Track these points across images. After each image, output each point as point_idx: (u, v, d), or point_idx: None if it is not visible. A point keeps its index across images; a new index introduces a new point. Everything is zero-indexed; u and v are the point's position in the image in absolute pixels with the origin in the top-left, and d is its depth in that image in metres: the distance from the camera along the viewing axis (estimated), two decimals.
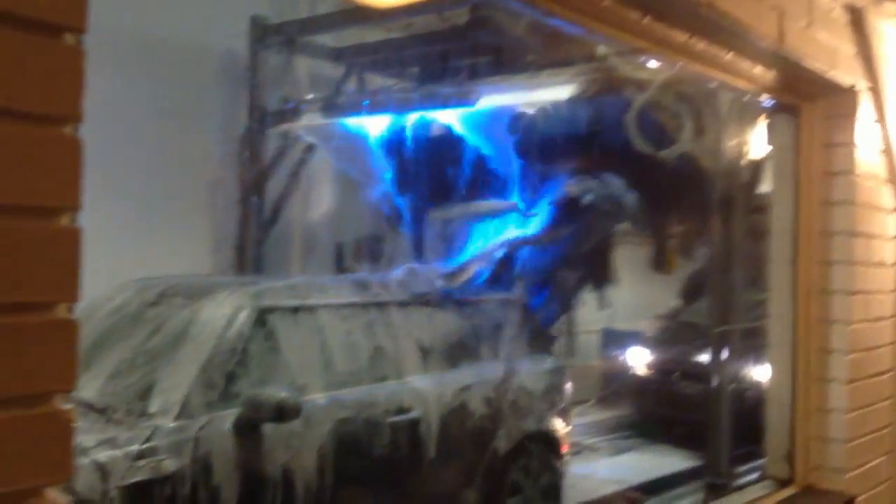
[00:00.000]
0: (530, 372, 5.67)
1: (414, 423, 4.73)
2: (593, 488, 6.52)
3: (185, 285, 4.63)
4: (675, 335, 8.55)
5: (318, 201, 8.78)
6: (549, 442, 5.66)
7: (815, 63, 3.30)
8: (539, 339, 6.08)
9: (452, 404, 4.98)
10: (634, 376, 8.60)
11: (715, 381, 6.17)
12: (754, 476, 4.37)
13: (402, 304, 5.14)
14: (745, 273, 6.20)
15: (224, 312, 4.20)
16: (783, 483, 3.64)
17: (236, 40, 8.01)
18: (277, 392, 3.96)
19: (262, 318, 4.28)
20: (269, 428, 4.01)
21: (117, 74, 6.69)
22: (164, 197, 7.52)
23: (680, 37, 2.89)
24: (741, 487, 4.16)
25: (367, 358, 4.73)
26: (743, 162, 6.01)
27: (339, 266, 8.58)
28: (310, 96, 8.06)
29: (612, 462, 7.56)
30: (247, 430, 3.94)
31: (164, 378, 3.92)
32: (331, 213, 8.86)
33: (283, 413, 3.92)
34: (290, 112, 7.91)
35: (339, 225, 8.77)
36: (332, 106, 7.62)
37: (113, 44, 6.60)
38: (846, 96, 3.64)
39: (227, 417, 3.90)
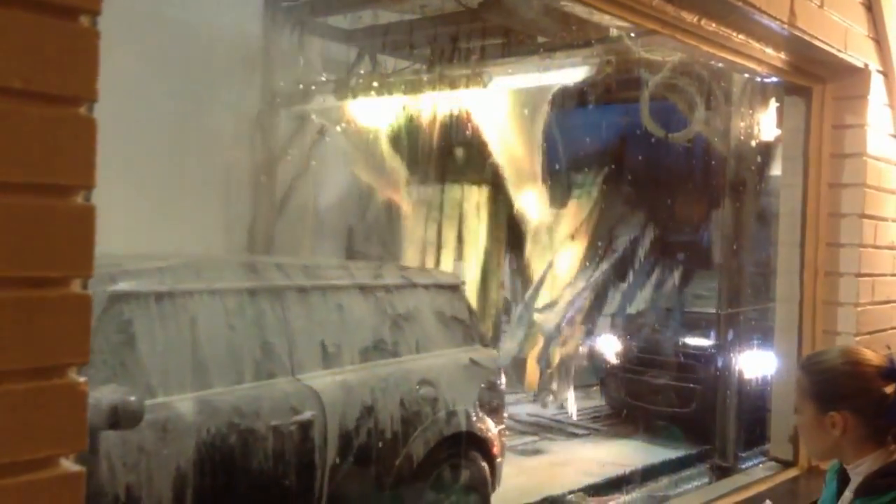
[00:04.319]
0: (458, 365, 5.03)
1: (305, 427, 4.06)
2: (597, 471, 6.56)
3: None
4: (655, 322, 8.30)
5: (329, 183, 8.81)
6: (477, 444, 5.00)
7: (828, 43, 3.30)
8: (475, 328, 5.43)
9: (357, 404, 4.33)
10: (606, 365, 8.25)
11: (720, 366, 6.17)
12: (760, 459, 4.39)
13: (303, 291, 4.42)
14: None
15: None
16: (787, 465, 3.67)
17: (250, 22, 8.03)
18: (112, 393, 3.23)
19: (114, 306, 3.59)
20: (110, 439, 3.32)
21: (131, 55, 6.71)
22: (178, 177, 7.55)
23: (690, 18, 2.89)
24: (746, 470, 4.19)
25: (252, 353, 4.06)
26: (753, 144, 6.00)
27: (350, 249, 8.62)
28: (322, 78, 8.08)
29: (615, 445, 7.58)
30: None
31: None
32: (342, 195, 8.90)
33: (119, 419, 3.22)
34: (303, 94, 7.93)
35: (350, 207, 8.81)
36: (345, 88, 7.64)
37: (127, 25, 6.63)
38: (858, 77, 3.64)
39: None
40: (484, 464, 5.03)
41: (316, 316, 4.40)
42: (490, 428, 5.08)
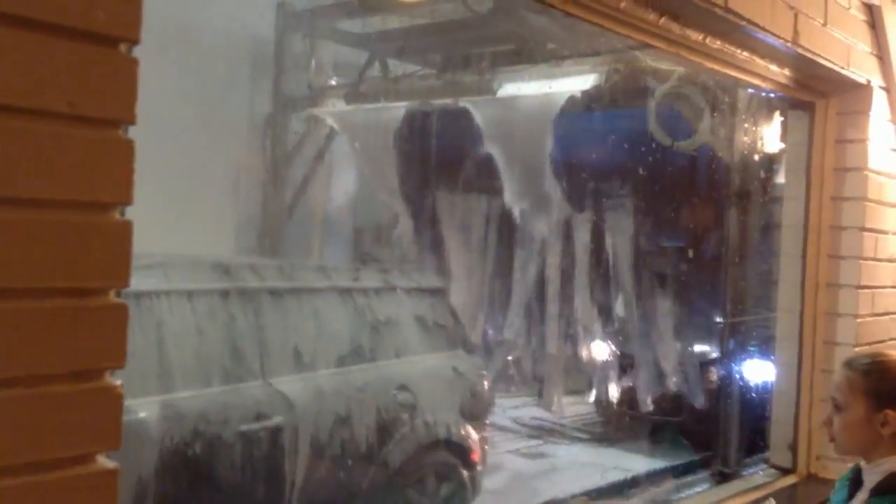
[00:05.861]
0: (439, 371, 4.91)
1: (275, 433, 3.92)
2: (599, 475, 6.62)
3: None
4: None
5: (339, 186, 8.90)
6: (457, 452, 4.88)
7: (831, 60, 3.37)
8: (459, 333, 5.28)
9: (331, 410, 4.17)
10: (597, 370, 8.24)
11: (722, 374, 6.23)
12: (760, 466, 4.46)
13: (277, 293, 4.29)
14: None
15: None
16: (786, 472, 3.73)
17: (263, 26, 8.12)
18: None
19: None
20: None
21: (145, 60, 6.80)
22: (190, 180, 7.65)
23: (695, 37, 2.96)
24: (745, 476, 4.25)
25: (221, 356, 3.92)
26: (757, 156, 6.06)
27: (359, 251, 8.70)
28: (333, 82, 8.17)
29: (617, 450, 7.62)
30: None
31: None
32: (352, 198, 8.98)
33: None
34: (314, 97, 8.02)
35: (359, 210, 8.90)
36: (356, 92, 7.72)
37: (143, 30, 6.72)
38: (860, 93, 3.70)
39: None
40: (464, 472, 4.93)
41: (290, 319, 4.26)
42: (471, 435, 4.97)
